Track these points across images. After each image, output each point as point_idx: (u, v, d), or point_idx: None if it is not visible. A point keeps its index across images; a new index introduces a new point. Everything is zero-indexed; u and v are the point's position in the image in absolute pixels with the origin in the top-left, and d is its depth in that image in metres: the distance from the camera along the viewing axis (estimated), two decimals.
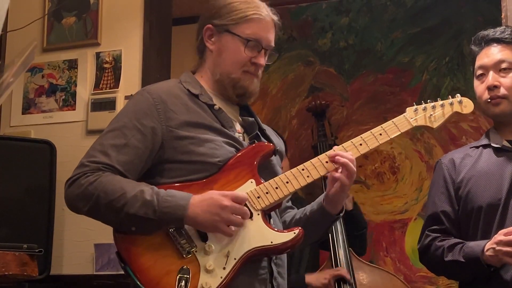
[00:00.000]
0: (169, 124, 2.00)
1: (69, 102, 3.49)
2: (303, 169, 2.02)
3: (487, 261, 2.21)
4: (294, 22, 5.06)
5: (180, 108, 2.03)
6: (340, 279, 3.36)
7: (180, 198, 1.90)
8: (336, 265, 3.44)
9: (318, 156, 2.04)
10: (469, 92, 2.24)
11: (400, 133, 2.09)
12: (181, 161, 1.99)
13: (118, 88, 3.42)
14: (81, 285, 3.32)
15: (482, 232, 2.31)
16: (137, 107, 2.04)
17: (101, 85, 3.46)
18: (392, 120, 2.10)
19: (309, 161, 2.03)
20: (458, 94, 2.18)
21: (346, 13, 4.98)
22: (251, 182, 1.99)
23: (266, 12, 2.12)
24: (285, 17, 4.98)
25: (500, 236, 2.18)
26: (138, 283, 1.88)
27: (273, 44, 2.14)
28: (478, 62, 2.44)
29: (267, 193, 1.98)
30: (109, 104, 3.39)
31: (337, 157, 2.01)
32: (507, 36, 2.41)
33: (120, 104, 3.36)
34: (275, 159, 2.13)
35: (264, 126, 2.22)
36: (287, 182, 2.00)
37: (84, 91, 3.47)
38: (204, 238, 1.92)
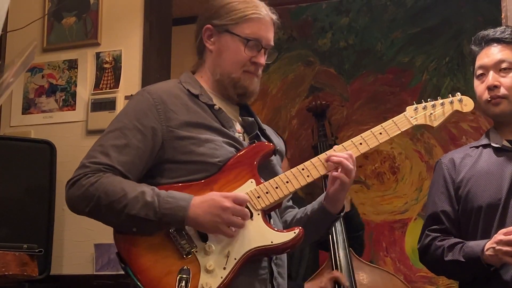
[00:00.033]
0: (169, 124, 2.00)
1: (69, 102, 3.49)
2: (303, 169, 2.02)
3: (487, 261, 2.21)
4: (294, 22, 5.06)
5: (180, 108, 2.03)
6: (337, 282, 3.37)
7: (181, 199, 1.90)
8: (336, 266, 3.44)
9: (318, 156, 2.03)
10: (469, 92, 2.24)
11: (400, 132, 2.09)
12: (181, 161, 1.99)
13: (118, 88, 3.42)
14: (81, 285, 3.32)
15: (482, 232, 2.32)
16: (137, 107, 2.04)
17: (101, 85, 3.46)
18: (392, 119, 2.10)
19: (309, 161, 2.03)
20: (458, 93, 2.18)
21: (346, 13, 4.98)
22: (251, 182, 1.99)
23: (265, 12, 2.12)
24: (285, 17, 4.98)
25: (500, 235, 2.18)
26: (139, 283, 1.88)
27: (272, 43, 2.14)
28: (478, 62, 2.44)
29: (267, 193, 1.98)
30: (109, 104, 3.39)
31: (331, 157, 2.01)
32: (507, 36, 2.41)
33: (120, 104, 3.36)
34: (275, 159, 2.13)
35: (264, 126, 2.22)
36: (287, 182, 2.00)
37: (84, 91, 3.47)
38: (204, 238, 1.92)
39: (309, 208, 2.14)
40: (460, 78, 4.67)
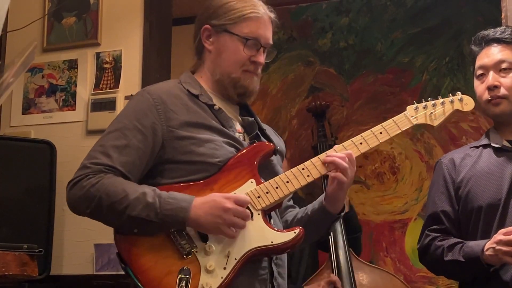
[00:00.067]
0: (170, 124, 2.00)
1: (69, 102, 3.49)
2: (303, 169, 2.02)
3: (487, 261, 2.21)
4: (294, 22, 5.06)
5: (180, 108, 2.03)
6: (335, 286, 3.38)
7: (182, 200, 1.90)
8: (336, 266, 3.45)
9: (319, 156, 2.03)
10: (469, 92, 2.23)
11: (400, 131, 2.08)
12: (181, 161, 1.99)
13: (118, 88, 3.42)
14: (81, 285, 3.32)
15: (482, 232, 2.31)
16: (137, 107, 2.04)
17: (101, 85, 3.46)
18: (393, 118, 2.09)
19: (309, 161, 2.03)
20: (459, 92, 2.17)
21: (346, 13, 4.98)
22: (251, 182, 1.99)
23: (263, 10, 2.12)
24: (285, 17, 4.98)
25: (499, 235, 2.18)
26: (139, 284, 1.88)
27: (271, 41, 2.14)
28: (478, 62, 2.44)
29: (267, 193, 1.98)
30: (109, 104, 3.39)
31: (325, 157, 2.01)
32: (507, 36, 2.41)
33: (120, 104, 3.36)
34: (275, 158, 2.13)
35: (264, 126, 2.22)
36: (287, 182, 2.00)
37: (84, 91, 3.47)
38: (204, 238, 1.92)
39: (309, 208, 2.14)
40: (460, 78, 4.68)
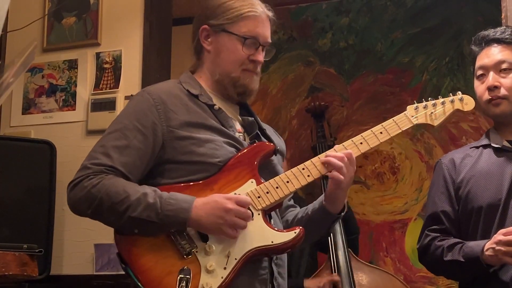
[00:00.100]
0: (170, 124, 2.00)
1: (69, 102, 3.49)
2: (303, 169, 2.01)
3: (487, 261, 2.21)
4: (294, 22, 5.06)
5: (180, 108, 2.03)
6: (336, 285, 3.38)
7: (183, 201, 1.90)
8: (335, 266, 3.45)
9: (319, 155, 2.03)
10: (469, 92, 2.23)
11: (400, 131, 2.08)
12: (181, 161, 1.99)
13: (118, 88, 3.42)
14: (81, 285, 3.32)
15: (482, 232, 2.31)
16: (138, 108, 2.03)
17: (101, 85, 3.46)
18: (393, 118, 2.09)
19: (309, 160, 2.03)
20: (459, 92, 2.17)
21: (346, 13, 4.98)
22: (252, 182, 1.99)
23: (261, 9, 2.12)
24: (285, 17, 4.98)
25: (499, 236, 2.17)
26: (139, 284, 1.88)
27: (270, 40, 2.14)
28: (478, 63, 2.44)
29: (267, 192, 1.98)
30: (109, 104, 3.39)
31: (323, 158, 2.01)
32: (507, 36, 2.41)
33: (120, 104, 3.36)
34: (275, 158, 2.13)
35: (264, 126, 2.21)
36: (288, 182, 1.99)
37: (84, 91, 3.47)
38: (204, 238, 1.92)
39: (310, 207, 2.14)
40: (460, 78, 4.68)
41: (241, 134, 2.12)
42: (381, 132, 2.06)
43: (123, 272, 1.93)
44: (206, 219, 1.88)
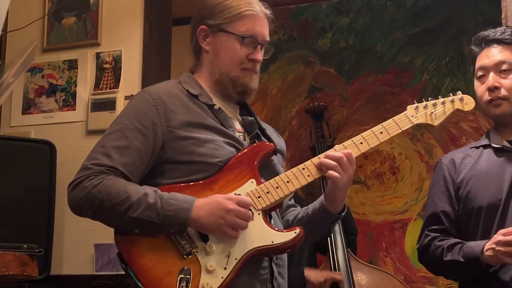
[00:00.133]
0: (170, 125, 2.00)
1: (69, 102, 3.49)
2: (303, 168, 2.01)
3: (487, 261, 2.21)
4: (294, 22, 5.06)
5: (180, 108, 2.03)
6: (336, 284, 3.37)
7: (184, 201, 1.90)
8: (335, 266, 3.45)
9: (319, 155, 2.03)
10: (469, 93, 2.23)
11: (401, 131, 2.08)
12: (181, 161, 1.99)
13: (118, 88, 3.42)
14: (81, 285, 3.32)
15: (482, 232, 2.31)
16: (138, 108, 2.03)
17: (101, 85, 3.46)
18: (393, 118, 2.09)
19: (309, 160, 2.03)
20: (459, 92, 2.17)
21: (346, 13, 4.98)
22: (252, 182, 1.99)
23: (259, 7, 2.11)
24: (285, 17, 4.99)
25: (499, 236, 2.17)
26: (139, 284, 1.88)
27: (268, 38, 2.13)
28: (478, 63, 2.43)
29: (267, 192, 1.98)
30: (109, 104, 3.39)
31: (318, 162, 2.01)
32: (507, 37, 2.40)
33: (120, 104, 3.36)
34: (276, 158, 2.13)
35: (265, 125, 2.21)
36: (288, 182, 1.99)
37: (84, 91, 3.47)
38: (204, 238, 1.92)
39: (310, 207, 2.14)
40: (460, 78, 4.68)
41: (241, 134, 2.12)
42: (381, 132, 2.06)
43: (123, 272, 1.93)
44: (207, 219, 1.88)
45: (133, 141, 1.97)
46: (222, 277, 1.88)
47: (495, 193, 2.32)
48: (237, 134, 2.08)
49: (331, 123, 4.19)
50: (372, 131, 2.06)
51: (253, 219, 1.94)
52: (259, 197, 1.97)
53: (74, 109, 3.47)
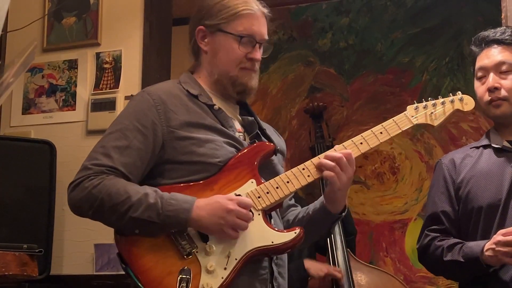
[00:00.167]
0: (170, 125, 2.00)
1: (69, 102, 3.49)
2: (303, 169, 2.01)
3: (487, 262, 2.21)
4: (294, 22, 5.06)
5: (180, 108, 2.03)
6: (335, 281, 3.36)
7: (184, 201, 1.90)
8: (334, 266, 3.44)
9: (319, 155, 2.03)
10: (469, 93, 2.23)
11: (400, 131, 2.08)
12: (181, 161, 1.99)
13: (118, 88, 3.42)
14: (81, 285, 3.32)
15: (482, 232, 2.31)
16: (138, 108, 2.03)
17: (101, 85, 3.46)
18: (393, 118, 2.09)
19: (309, 160, 2.03)
20: (459, 92, 2.17)
21: (346, 13, 4.98)
22: (252, 182, 1.99)
23: (256, 6, 2.11)
24: (285, 17, 4.99)
25: (499, 236, 2.17)
26: (139, 284, 1.88)
27: (266, 36, 2.13)
28: (478, 64, 2.43)
29: (267, 193, 1.98)
30: (109, 104, 3.39)
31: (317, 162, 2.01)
32: (507, 37, 2.40)
33: (120, 104, 3.36)
34: (276, 158, 2.13)
35: (265, 125, 2.21)
36: (288, 182, 1.99)
37: (84, 91, 3.47)
38: (205, 239, 1.92)
39: (311, 207, 2.14)
40: (460, 78, 4.68)
41: (241, 134, 2.12)
42: (381, 132, 2.06)
43: (123, 272, 1.93)
44: (207, 220, 1.89)
45: (133, 141, 1.97)
46: (222, 277, 1.88)
47: (495, 193, 2.32)
48: (237, 134, 2.08)
49: (331, 123, 4.19)
50: (372, 131, 2.06)
51: (253, 219, 1.94)
52: (259, 197, 1.97)
53: (74, 109, 3.47)
